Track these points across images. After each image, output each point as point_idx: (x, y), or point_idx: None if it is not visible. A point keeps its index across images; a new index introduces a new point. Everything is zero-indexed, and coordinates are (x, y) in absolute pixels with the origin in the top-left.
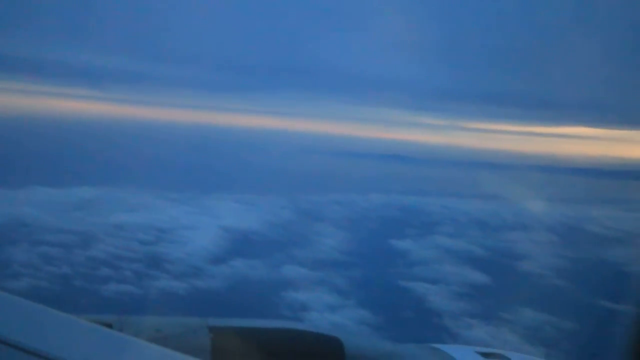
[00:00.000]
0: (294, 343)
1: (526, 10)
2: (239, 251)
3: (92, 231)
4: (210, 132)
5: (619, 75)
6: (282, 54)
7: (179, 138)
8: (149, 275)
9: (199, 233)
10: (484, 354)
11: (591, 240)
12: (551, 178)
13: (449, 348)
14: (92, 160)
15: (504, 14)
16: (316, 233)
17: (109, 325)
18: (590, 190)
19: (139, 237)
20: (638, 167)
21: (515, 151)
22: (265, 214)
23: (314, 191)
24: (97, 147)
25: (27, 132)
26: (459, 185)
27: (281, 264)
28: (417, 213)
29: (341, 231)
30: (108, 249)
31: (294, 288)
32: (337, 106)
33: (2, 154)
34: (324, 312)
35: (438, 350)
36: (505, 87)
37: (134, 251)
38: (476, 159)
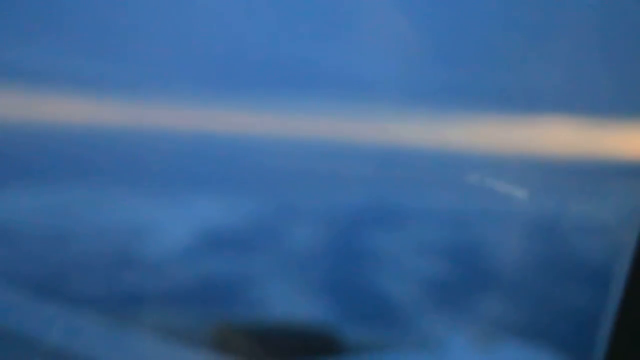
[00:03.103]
0: (285, 337)
1: (506, 8)
2: (211, 250)
3: (63, 232)
4: (195, 131)
5: (601, 68)
6: (268, 52)
7: (163, 137)
8: (117, 275)
9: (173, 231)
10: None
11: (566, 234)
12: (531, 171)
13: (442, 340)
14: (71, 161)
15: (483, 11)
16: (291, 231)
17: (112, 322)
18: (570, 184)
19: (110, 237)
20: (620, 162)
21: (496, 144)
22: (243, 212)
23: (297, 190)
24: (78, 149)
25: (4, 135)
26: (440, 180)
27: (251, 262)
28: (395, 207)
29: (317, 229)
30: (79, 249)
31: (261, 286)
32: (325, 105)
33: None
34: (286, 308)
35: (431, 341)
36: (484, 80)
37: (104, 251)
38: (460, 153)
